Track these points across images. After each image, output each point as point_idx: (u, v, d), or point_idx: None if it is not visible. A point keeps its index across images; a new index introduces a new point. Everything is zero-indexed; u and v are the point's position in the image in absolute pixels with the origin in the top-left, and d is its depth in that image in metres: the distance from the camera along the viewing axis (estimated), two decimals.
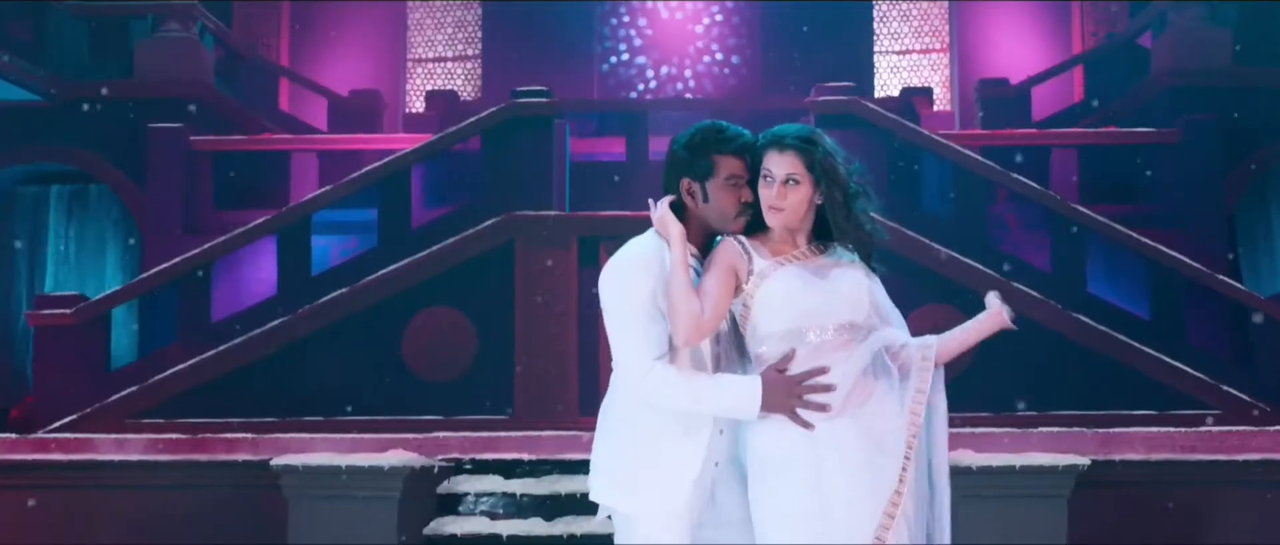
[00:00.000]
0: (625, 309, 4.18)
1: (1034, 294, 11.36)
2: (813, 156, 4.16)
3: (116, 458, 9.01)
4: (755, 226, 4.29)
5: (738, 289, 4.20)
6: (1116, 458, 8.57)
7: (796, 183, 4.15)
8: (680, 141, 4.32)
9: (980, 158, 12.73)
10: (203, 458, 8.98)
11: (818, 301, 4.15)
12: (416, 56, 19.66)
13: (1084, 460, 7.84)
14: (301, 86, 18.10)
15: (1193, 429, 10.62)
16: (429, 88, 19.12)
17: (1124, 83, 16.23)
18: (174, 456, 8.95)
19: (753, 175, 4.22)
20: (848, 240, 4.21)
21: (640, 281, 4.17)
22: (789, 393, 4.09)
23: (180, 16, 15.54)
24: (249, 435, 10.57)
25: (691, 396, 4.11)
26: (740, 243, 4.23)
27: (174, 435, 10.28)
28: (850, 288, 4.18)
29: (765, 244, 4.27)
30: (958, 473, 8.15)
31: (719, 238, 4.33)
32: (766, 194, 4.18)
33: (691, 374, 4.13)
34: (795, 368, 4.12)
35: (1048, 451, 8.47)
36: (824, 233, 4.28)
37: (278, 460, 8.07)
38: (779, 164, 4.17)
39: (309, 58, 18.87)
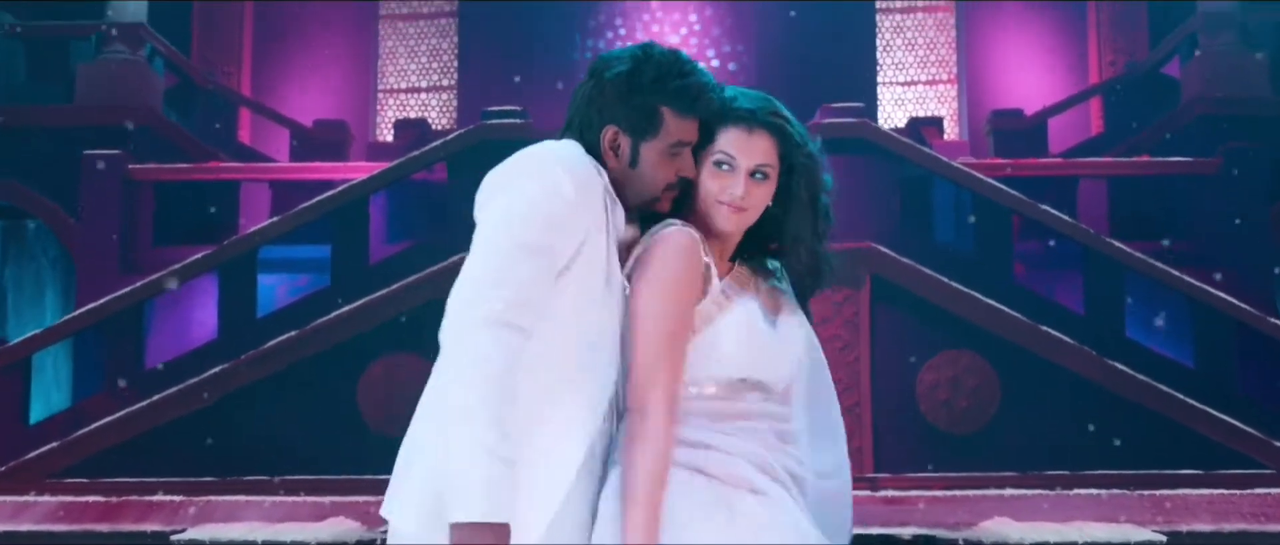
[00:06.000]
0: (496, 231, 2.91)
1: (1065, 339, 10.32)
2: (790, 143, 3.04)
3: (4, 528, 7.72)
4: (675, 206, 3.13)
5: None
6: (1184, 529, 7.38)
7: (764, 177, 3.02)
8: (619, 73, 3.00)
9: (1005, 188, 11.63)
10: (104, 528, 7.72)
11: (771, 355, 3.05)
12: (388, 87, 18.59)
13: (1158, 536, 6.59)
14: (263, 117, 16.95)
15: (1249, 491, 9.62)
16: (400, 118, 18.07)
17: (1148, 114, 15.25)
18: (72, 526, 7.69)
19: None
20: (801, 264, 3.13)
21: (547, 194, 2.89)
22: None
23: (127, 37, 14.32)
24: (177, 498, 9.54)
25: (482, 408, 2.70)
26: (699, 241, 3.04)
27: (92, 498, 9.19)
28: (794, 347, 3.10)
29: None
30: None
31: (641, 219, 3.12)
32: (721, 184, 3.02)
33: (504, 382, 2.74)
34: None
35: (1098, 520, 7.34)
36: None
37: (182, 534, 6.77)
38: (747, 149, 3.02)
39: (273, 88, 17.78)
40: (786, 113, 3.12)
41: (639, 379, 2.91)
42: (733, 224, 3.05)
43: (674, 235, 3.02)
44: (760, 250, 3.19)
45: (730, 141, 3.03)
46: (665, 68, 3.00)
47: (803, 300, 3.20)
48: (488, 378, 2.72)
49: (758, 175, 3.03)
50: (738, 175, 3.02)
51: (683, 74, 3.00)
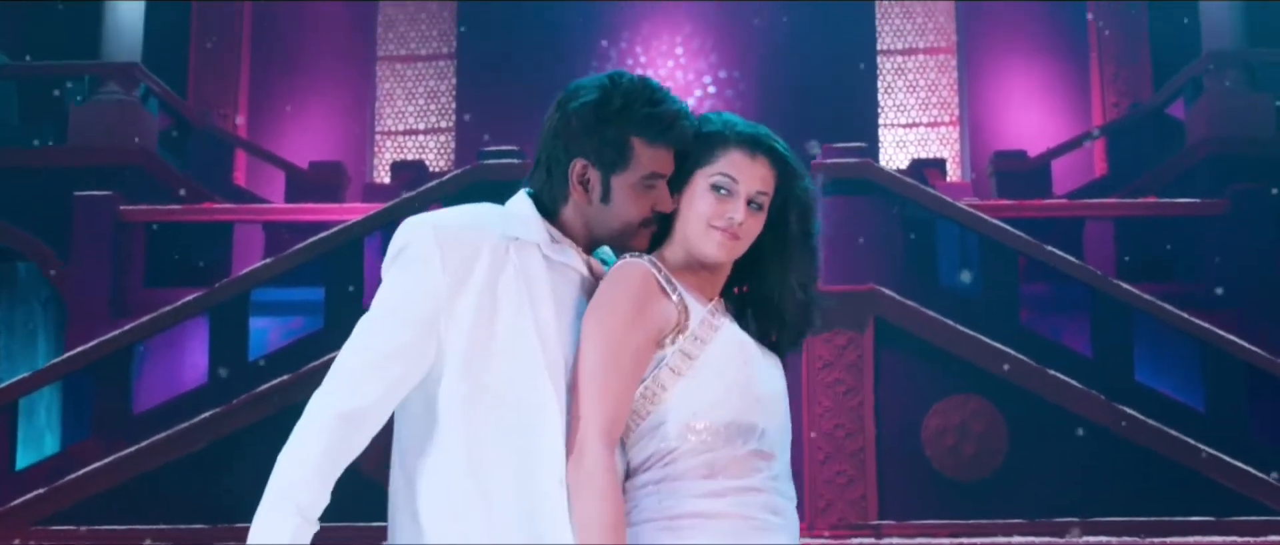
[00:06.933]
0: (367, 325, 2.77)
1: (1073, 383, 10.20)
2: (790, 173, 2.84)
3: None
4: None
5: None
6: None
7: (759, 208, 2.81)
8: (585, 103, 2.78)
9: (1012, 229, 11.49)
10: None
11: (766, 392, 2.81)
12: (385, 129, 18.47)
13: None
14: (258, 158, 16.79)
15: (1263, 539, 9.61)
16: (397, 160, 17.95)
17: (1152, 156, 15.09)
18: None
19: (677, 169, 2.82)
20: (788, 310, 2.89)
21: (425, 271, 2.71)
22: None
23: (120, 78, 14.17)
24: None
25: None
26: (656, 271, 2.77)
27: None
28: (782, 396, 2.87)
29: (676, 273, 2.83)
30: None
31: (609, 254, 2.87)
32: (718, 209, 2.79)
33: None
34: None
35: None
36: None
37: None
38: (749, 173, 2.80)
39: (269, 130, 17.64)
40: (784, 144, 2.92)
41: (576, 417, 2.68)
42: (725, 252, 2.81)
43: (620, 266, 2.78)
44: (733, 295, 2.95)
45: (733, 164, 2.81)
46: (634, 95, 2.77)
47: (782, 350, 2.95)
48: (314, 461, 2.66)
49: (753, 204, 2.81)
50: (737, 200, 2.79)
51: (653, 101, 2.78)
